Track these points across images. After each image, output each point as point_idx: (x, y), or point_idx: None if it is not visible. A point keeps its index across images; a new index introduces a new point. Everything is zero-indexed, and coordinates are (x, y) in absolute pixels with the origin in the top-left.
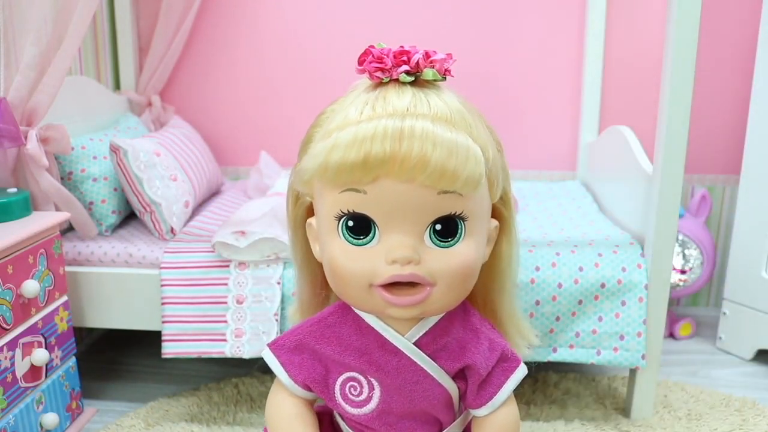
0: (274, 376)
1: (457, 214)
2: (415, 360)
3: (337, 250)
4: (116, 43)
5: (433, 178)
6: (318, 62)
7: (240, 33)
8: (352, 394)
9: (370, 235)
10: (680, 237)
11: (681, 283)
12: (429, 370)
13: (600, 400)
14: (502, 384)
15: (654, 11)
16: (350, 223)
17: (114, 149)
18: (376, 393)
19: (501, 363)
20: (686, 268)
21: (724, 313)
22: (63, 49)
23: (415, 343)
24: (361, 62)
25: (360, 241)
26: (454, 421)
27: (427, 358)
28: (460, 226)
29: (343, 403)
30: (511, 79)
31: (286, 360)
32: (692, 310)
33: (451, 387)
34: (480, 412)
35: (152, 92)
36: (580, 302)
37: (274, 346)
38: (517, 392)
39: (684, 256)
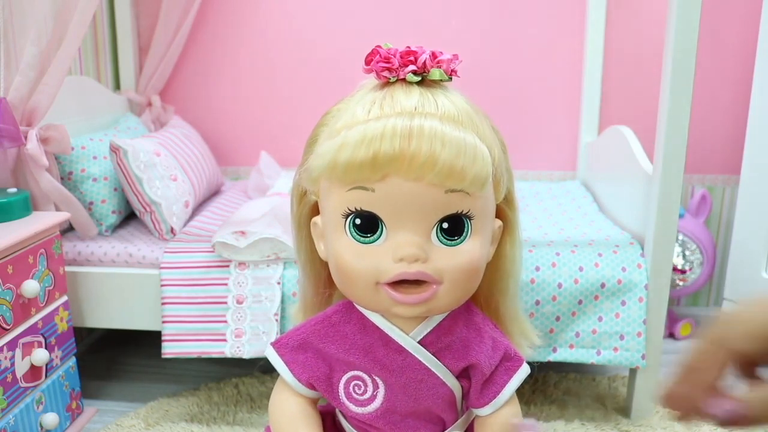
0: (275, 376)
1: (463, 212)
2: (419, 359)
3: (343, 248)
4: (116, 43)
5: (441, 177)
6: (318, 62)
7: (240, 33)
8: (357, 393)
9: (377, 233)
10: (680, 237)
11: (681, 283)
12: (434, 369)
13: (600, 400)
14: (506, 383)
15: (654, 11)
16: (357, 221)
17: (114, 149)
18: (381, 392)
19: (504, 362)
20: (686, 268)
21: None
22: (63, 49)
23: (419, 342)
24: (368, 62)
25: (367, 239)
26: (457, 420)
27: (432, 356)
28: (466, 225)
29: (347, 402)
30: (511, 79)
31: (289, 359)
32: (692, 310)
33: (455, 386)
34: (483, 411)
35: (152, 92)
36: (580, 302)
37: (277, 344)
38: (518, 392)
39: (684, 256)
